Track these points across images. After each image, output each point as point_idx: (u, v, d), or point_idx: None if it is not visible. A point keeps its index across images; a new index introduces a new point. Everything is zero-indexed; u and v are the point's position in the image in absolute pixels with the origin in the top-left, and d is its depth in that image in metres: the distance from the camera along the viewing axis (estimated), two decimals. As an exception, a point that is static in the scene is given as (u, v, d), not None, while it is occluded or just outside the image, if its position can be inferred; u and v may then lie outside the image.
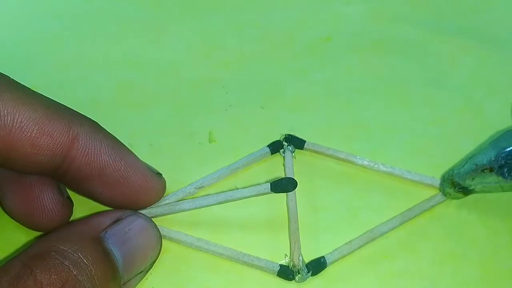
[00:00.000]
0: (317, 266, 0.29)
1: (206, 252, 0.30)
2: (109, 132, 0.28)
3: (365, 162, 0.32)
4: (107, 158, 0.27)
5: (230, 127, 0.35)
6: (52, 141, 0.26)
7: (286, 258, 0.29)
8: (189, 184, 0.31)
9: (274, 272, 0.29)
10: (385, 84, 0.37)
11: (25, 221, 0.30)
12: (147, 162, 0.30)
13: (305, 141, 0.33)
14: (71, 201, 0.30)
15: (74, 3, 0.42)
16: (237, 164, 0.32)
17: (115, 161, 0.28)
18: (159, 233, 0.28)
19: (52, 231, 0.29)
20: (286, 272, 0.29)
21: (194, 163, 0.33)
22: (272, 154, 0.33)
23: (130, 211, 0.28)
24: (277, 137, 0.34)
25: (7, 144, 0.25)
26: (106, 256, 0.25)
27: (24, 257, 0.24)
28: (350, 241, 0.30)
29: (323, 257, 0.29)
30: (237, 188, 0.30)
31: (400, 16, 0.41)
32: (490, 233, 0.30)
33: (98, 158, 0.27)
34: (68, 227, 0.26)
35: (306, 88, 0.37)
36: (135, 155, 0.29)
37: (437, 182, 0.31)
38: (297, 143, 0.33)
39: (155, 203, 0.30)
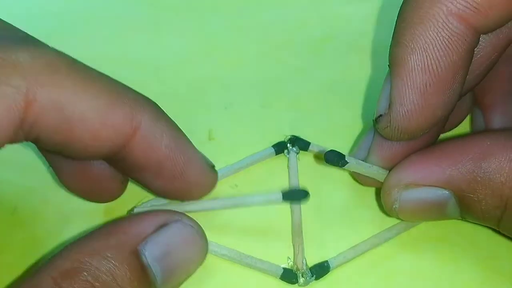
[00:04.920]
0: (320, 270, 0.29)
1: (208, 253, 0.29)
2: (171, 119, 0.27)
3: (371, 165, 0.32)
4: (167, 152, 0.26)
5: (230, 125, 0.35)
6: (114, 133, 0.24)
7: (289, 261, 0.29)
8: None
9: (277, 275, 0.29)
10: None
11: (83, 196, 0.29)
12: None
13: (309, 143, 0.33)
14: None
15: (74, 3, 0.42)
16: (241, 164, 0.32)
17: (174, 155, 0.26)
18: (206, 242, 0.26)
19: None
20: (289, 276, 0.28)
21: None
22: (276, 154, 0.33)
23: (176, 216, 0.26)
24: (277, 135, 0.33)
25: (66, 135, 0.23)
26: (143, 273, 0.23)
27: (55, 271, 0.22)
28: (354, 246, 0.29)
29: (326, 261, 0.29)
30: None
31: None
32: (491, 233, 0.30)
33: (157, 151, 0.25)
34: (106, 234, 0.24)
35: (306, 87, 0.37)
36: (194, 146, 0.28)
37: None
38: (301, 144, 0.33)
39: (205, 196, 0.29)
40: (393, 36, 0.25)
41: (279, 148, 0.33)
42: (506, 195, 0.24)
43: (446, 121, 0.27)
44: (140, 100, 0.25)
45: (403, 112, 0.25)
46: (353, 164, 0.28)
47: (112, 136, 0.24)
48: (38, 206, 0.32)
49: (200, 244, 0.26)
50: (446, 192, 0.26)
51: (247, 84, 0.37)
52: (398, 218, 0.29)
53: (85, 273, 0.22)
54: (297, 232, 0.29)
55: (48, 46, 0.23)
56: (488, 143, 0.25)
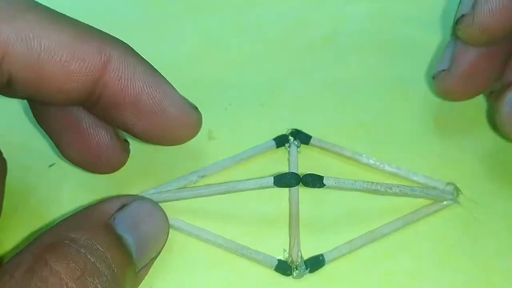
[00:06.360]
0: (315, 263, 0.29)
1: (205, 242, 0.30)
2: (144, 58, 0.27)
3: (371, 161, 0.32)
4: (141, 84, 0.26)
5: (230, 125, 0.35)
6: (84, 66, 0.24)
7: (285, 253, 0.29)
8: (191, 172, 0.31)
9: (272, 267, 0.29)
10: (385, 84, 0.37)
11: (87, 168, 0.30)
12: (145, 160, 0.30)
13: (311, 137, 0.33)
14: (128, 143, 0.30)
15: (73, 4, 0.42)
16: (242, 156, 0.32)
17: (150, 88, 0.26)
18: (166, 217, 0.28)
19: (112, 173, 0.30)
20: (283, 267, 0.29)
21: (193, 161, 0.33)
22: (277, 147, 0.33)
23: (135, 196, 0.27)
24: (277, 135, 0.33)
25: (37, 71, 0.23)
26: (119, 242, 0.24)
27: (35, 248, 0.22)
28: (350, 241, 0.29)
29: (322, 254, 0.29)
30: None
31: (401, 16, 0.41)
32: (491, 233, 0.30)
33: (132, 83, 0.26)
34: (76, 216, 0.25)
35: (306, 87, 0.37)
36: (172, 85, 0.28)
37: (443, 185, 0.31)
38: (303, 138, 0.33)
39: (190, 139, 0.29)
40: None
41: (280, 141, 0.33)
42: None
43: None
44: (108, 36, 0.26)
45: (488, 9, 0.27)
46: (333, 184, 0.28)
47: (82, 68, 0.24)
48: (40, 206, 0.32)
49: (161, 217, 0.27)
50: None
51: (247, 84, 0.37)
52: (502, 131, 0.29)
53: (66, 241, 0.22)
54: (294, 225, 0.30)
55: None
56: None
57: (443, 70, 0.30)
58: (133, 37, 0.39)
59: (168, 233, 0.28)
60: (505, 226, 0.30)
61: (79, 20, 0.26)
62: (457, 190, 0.31)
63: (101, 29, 0.27)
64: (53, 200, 0.32)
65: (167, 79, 0.28)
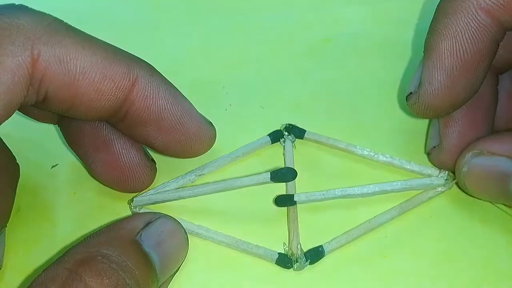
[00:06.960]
0: (315, 254, 0.29)
1: (206, 240, 0.30)
2: (164, 77, 0.29)
3: (365, 152, 0.32)
4: (164, 102, 0.28)
5: (230, 126, 0.35)
6: (114, 85, 0.26)
7: (285, 247, 0.30)
8: (189, 172, 0.32)
9: (272, 260, 0.29)
10: (384, 85, 0.37)
11: (116, 187, 0.31)
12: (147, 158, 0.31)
13: (305, 131, 0.33)
14: (155, 162, 0.31)
15: (73, 4, 0.43)
16: (238, 153, 0.33)
17: (172, 106, 0.28)
18: (187, 235, 0.28)
19: (137, 191, 0.31)
20: (284, 260, 0.29)
21: (193, 161, 0.33)
22: (272, 143, 0.33)
23: (159, 213, 0.28)
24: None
25: (72, 91, 0.25)
26: (146, 258, 0.25)
27: (69, 263, 0.23)
28: (348, 231, 0.30)
29: (321, 246, 0.29)
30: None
31: (400, 18, 0.41)
32: (490, 232, 0.30)
33: (156, 101, 0.27)
34: (104, 232, 0.25)
35: (306, 88, 0.37)
36: (190, 102, 0.30)
37: (436, 173, 0.31)
38: (297, 132, 0.33)
39: (205, 152, 0.31)
40: (430, 24, 0.28)
41: (275, 137, 0.33)
42: None
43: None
44: (135, 58, 0.28)
45: (431, 90, 0.28)
46: (303, 199, 0.30)
47: (112, 88, 0.26)
48: (42, 206, 0.32)
49: (183, 234, 0.28)
50: None
51: (247, 85, 0.37)
52: (464, 188, 0.30)
53: (99, 257, 0.23)
54: (292, 218, 0.30)
55: (45, 13, 0.26)
56: None
57: (434, 147, 0.31)
58: (134, 37, 0.40)
59: (188, 248, 0.28)
60: (502, 226, 0.30)
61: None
62: (451, 177, 0.31)
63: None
64: (55, 200, 0.32)
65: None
